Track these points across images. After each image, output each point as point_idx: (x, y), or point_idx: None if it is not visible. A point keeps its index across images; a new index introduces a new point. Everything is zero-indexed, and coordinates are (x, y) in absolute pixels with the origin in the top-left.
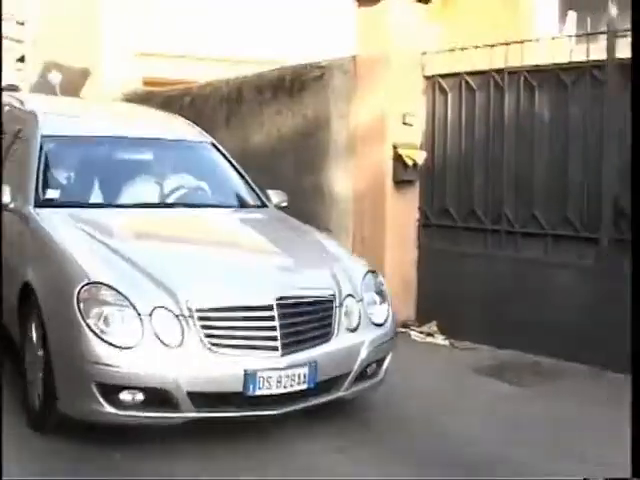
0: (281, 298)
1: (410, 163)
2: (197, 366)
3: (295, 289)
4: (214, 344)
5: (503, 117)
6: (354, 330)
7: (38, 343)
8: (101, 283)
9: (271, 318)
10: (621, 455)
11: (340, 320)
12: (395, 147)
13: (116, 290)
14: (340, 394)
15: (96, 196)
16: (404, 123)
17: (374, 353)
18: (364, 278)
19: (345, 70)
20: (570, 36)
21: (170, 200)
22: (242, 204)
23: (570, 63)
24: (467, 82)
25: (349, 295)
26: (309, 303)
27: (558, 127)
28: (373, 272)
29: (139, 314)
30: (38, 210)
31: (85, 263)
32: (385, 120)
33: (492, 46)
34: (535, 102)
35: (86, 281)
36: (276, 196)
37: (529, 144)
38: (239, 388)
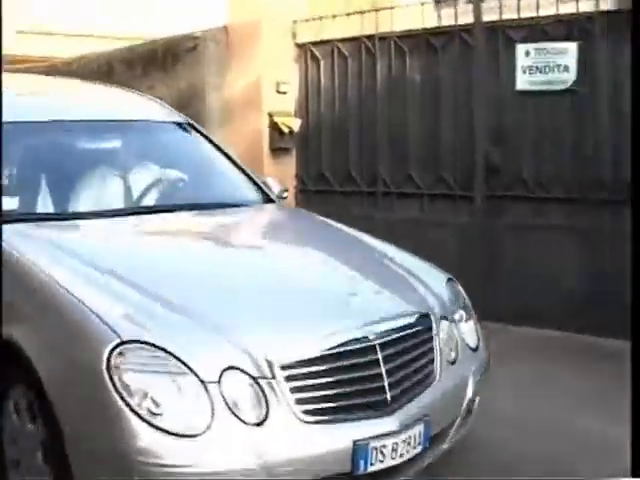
0: (381, 334)
1: (286, 131)
2: (289, 447)
3: (391, 319)
4: (308, 412)
5: (375, 82)
6: (454, 362)
7: (30, 428)
8: (141, 341)
9: (374, 363)
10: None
11: (441, 352)
12: (270, 115)
13: (164, 349)
14: (445, 447)
15: (66, 202)
16: (278, 91)
17: (477, 388)
18: (446, 289)
19: (218, 40)
20: (438, 2)
21: (165, 202)
22: (247, 200)
23: (439, 28)
24: (339, 49)
25: (442, 317)
26: (409, 335)
27: (430, 90)
28: (451, 279)
29: (203, 382)
30: None
31: (106, 311)
32: (259, 89)
33: (362, 13)
34: (406, 67)
35: (117, 340)
36: (275, 186)
37: (402, 108)
38: (346, 467)
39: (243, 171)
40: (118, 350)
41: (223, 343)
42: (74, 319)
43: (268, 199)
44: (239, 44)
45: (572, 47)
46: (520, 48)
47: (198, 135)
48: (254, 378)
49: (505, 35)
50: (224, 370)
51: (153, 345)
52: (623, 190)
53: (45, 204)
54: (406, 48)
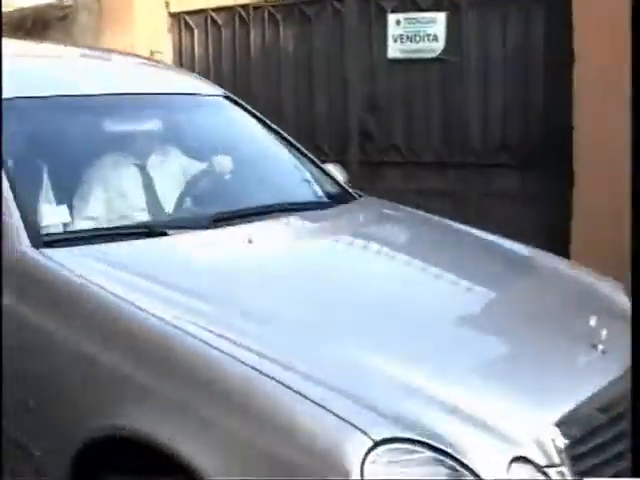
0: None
1: None
2: None
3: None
4: None
5: (250, 51)
6: None
7: None
8: (399, 439)
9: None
10: None
11: None
12: None
13: (431, 446)
14: None
15: (132, 209)
16: None
17: None
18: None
19: (90, 9)
20: None
21: (243, 204)
22: (330, 197)
23: None
24: (213, 18)
25: None
26: None
27: (304, 58)
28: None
29: None
30: (53, 253)
31: (317, 389)
32: None
33: None
34: (280, 36)
35: (369, 443)
36: (337, 175)
37: (277, 76)
38: None
39: (307, 157)
40: (371, 457)
41: (493, 422)
42: (268, 404)
43: (348, 194)
44: (112, 13)
45: (441, 17)
46: (391, 17)
47: (243, 111)
48: (541, 468)
49: (376, 4)
50: (511, 462)
51: (416, 442)
52: (491, 154)
53: (108, 213)
54: (280, 17)
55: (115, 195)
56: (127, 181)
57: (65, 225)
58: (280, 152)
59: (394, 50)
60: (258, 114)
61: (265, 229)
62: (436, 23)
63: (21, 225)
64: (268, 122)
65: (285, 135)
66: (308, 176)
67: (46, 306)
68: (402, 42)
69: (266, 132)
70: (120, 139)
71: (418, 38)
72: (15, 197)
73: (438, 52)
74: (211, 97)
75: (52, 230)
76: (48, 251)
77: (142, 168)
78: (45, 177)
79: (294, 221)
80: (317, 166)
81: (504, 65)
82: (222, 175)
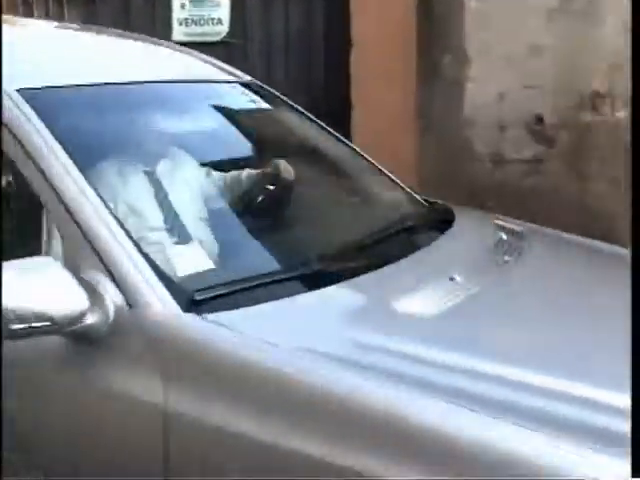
0: None
1: None
2: None
3: None
4: None
5: None
6: None
7: None
8: None
9: None
10: None
11: None
12: None
13: None
14: None
15: (272, 245)
16: None
17: None
18: None
19: None
20: None
21: (370, 227)
22: (432, 213)
23: None
24: None
25: None
26: None
27: None
28: None
29: None
30: (221, 318)
31: None
32: None
33: None
34: (65, 17)
35: None
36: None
37: None
38: None
39: (364, 158)
40: None
41: None
42: None
43: (436, 210)
44: None
45: (225, 1)
46: (176, 1)
47: (282, 102)
48: None
49: None
50: None
51: None
52: None
53: (255, 252)
54: None
55: (249, 225)
56: (248, 203)
57: (213, 275)
58: (353, 159)
59: (179, 33)
60: (298, 107)
61: (443, 261)
62: (220, 7)
63: (157, 281)
64: (311, 116)
65: (346, 140)
66: (391, 187)
67: (236, 399)
68: (187, 25)
69: (316, 127)
70: (192, 143)
71: (203, 21)
72: (134, 242)
73: (223, 35)
74: (243, 85)
75: (198, 285)
76: (212, 316)
77: (240, 184)
78: (158, 207)
79: (452, 250)
80: (382, 172)
81: (287, 48)
82: (317, 192)
